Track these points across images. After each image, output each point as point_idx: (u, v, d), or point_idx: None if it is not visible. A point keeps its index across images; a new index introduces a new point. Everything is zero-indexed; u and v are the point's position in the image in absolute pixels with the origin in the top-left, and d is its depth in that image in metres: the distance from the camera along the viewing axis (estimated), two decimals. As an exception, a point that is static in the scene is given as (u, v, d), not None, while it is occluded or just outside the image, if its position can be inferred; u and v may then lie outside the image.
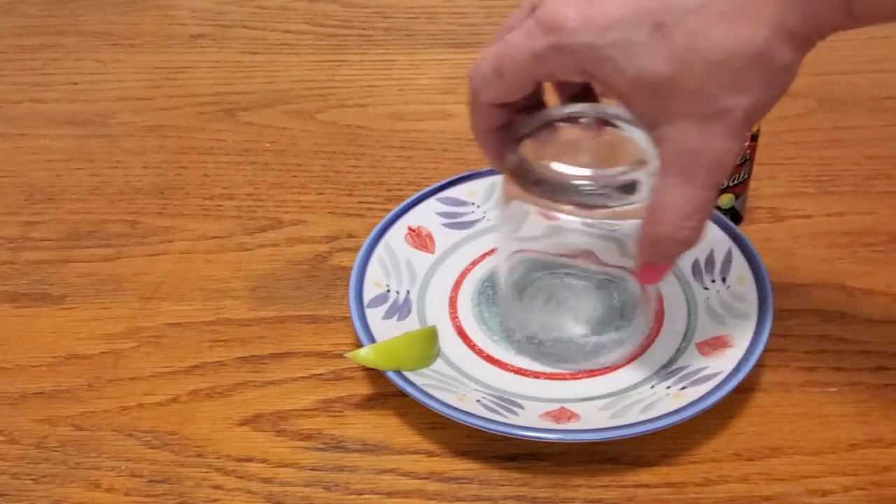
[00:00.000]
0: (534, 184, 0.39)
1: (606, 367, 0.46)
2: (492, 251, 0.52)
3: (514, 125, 0.41)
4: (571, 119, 0.41)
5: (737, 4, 0.33)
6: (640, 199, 0.38)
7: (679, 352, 0.46)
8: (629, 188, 0.39)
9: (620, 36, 0.34)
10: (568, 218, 0.40)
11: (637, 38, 0.33)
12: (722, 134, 0.34)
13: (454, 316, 0.49)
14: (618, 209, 0.39)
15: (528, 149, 0.40)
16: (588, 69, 0.35)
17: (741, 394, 0.44)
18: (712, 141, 0.34)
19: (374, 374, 0.47)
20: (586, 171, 0.39)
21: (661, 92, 0.34)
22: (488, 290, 0.50)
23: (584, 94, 0.42)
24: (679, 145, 0.35)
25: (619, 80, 0.35)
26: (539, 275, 0.49)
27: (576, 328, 0.48)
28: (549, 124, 0.41)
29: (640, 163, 0.39)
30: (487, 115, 0.40)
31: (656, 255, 0.39)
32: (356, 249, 0.51)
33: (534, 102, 0.41)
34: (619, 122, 0.40)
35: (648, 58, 0.33)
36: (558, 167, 0.39)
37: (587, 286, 0.48)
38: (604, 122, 0.41)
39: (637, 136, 0.39)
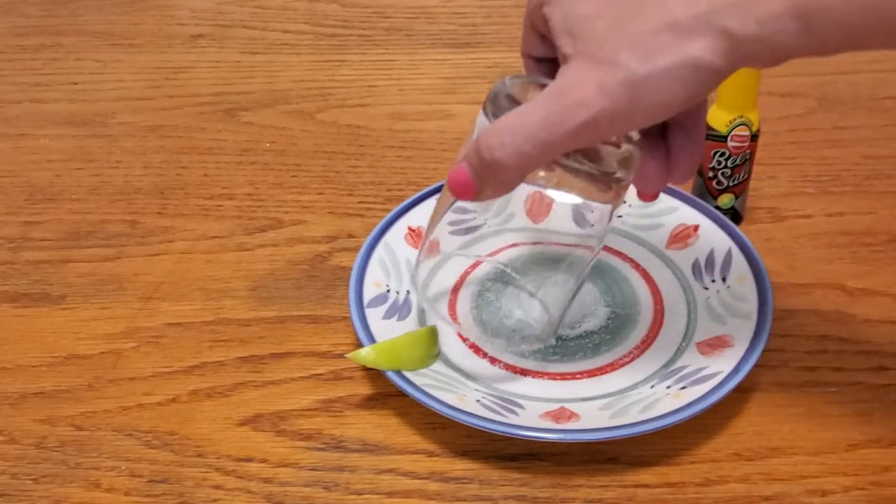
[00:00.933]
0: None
1: (606, 366, 0.46)
2: (493, 252, 0.52)
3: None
4: None
5: None
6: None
7: (679, 352, 0.46)
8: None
9: None
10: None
11: None
12: (596, 83, 0.33)
13: (454, 317, 0.49)
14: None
15: (516, 87, 0.39)
16: (544, 10, 0.36)
17: (741, 394, 0.44)
18: (583, 83, 0.33)
19: (374, 374, 0.47)
20: None
21: (575, 30, 0.34)
22: (487, 293, 0.50)
23: None
24: (560, 79, 0.34)
25: (553, 19, 0.35)
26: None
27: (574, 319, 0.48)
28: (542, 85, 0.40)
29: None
30: (530, 66, 0.41)
31: (469, 156, 0.36)
32: (356, 249, 0.51)
33: None
34: None
35: (583, 3, 0.34)
36: None
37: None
38: None
39: None
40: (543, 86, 0.39)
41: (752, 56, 0.32)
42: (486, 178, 0.35)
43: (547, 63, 0.40)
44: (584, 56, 0.34)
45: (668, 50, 0.32)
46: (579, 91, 0.33)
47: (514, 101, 0.37)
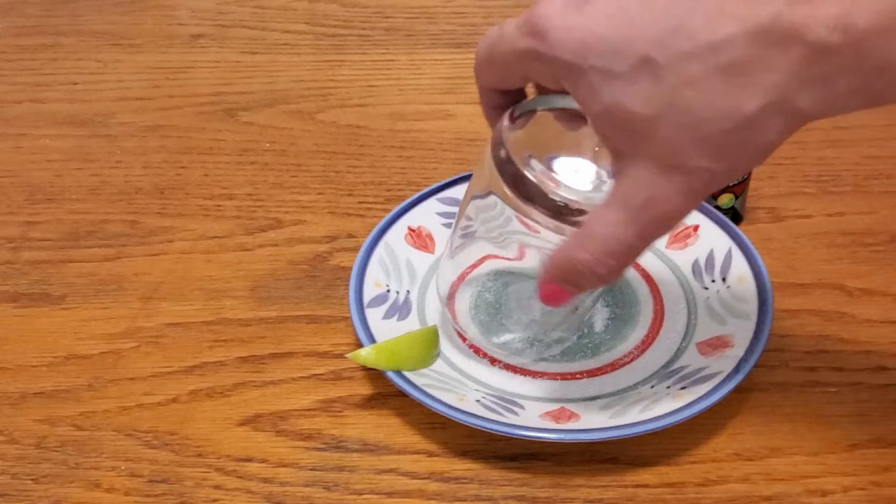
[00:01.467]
0: (512, 184, 0.37)
1: (606, 366, 0.46)
2: (492, 254, 0.52)
3: (515, 105, 0.39)
4: (563, 109, 0.39)
5: (739, 60, 0.30)
6: None
7: (679, 352, 0.46)
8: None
9: (601, 63, 0.31)
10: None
11: (619, 69, 0.31)
12: (680, 191, 0.33)
13: (454, 316, 0.49)
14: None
15: (515, 138, 0.38)
16: (564, 84, 0.33)
17: (741, 394, 0.44)
18: (667, 194, 0.33)
19: (374, 374, 0.47)
20: (572, 193, 0.37)
21: (631, 129, 0.32)
22: (486, 294, 0.50)
23: None
24: (633, 186, 0.33)
25: (592, 106, 0.33)
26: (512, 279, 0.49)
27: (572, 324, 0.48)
28: (543, 110, 0.39)
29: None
30: (489, 95, 0.39)
31: (565, 279, 0.37)
32: (356, 249, 0.51)
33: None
34: None
35: (628, 93, 0.31)
36: (544, 180, 0.37)
37: None
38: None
39: None
40: (552, 110, 0.38)
41: (808, 120, 0.32)
42: (587, 287, 0.37)
43: (509, 93, 0.39)
44: (653, 160, 0.32)
45: (744, 144, 0.31)
46: (667, 203, 0.33)
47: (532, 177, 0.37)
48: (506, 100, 0.39)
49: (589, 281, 0.36)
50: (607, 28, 0.31)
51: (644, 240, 0.34)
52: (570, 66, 0.32)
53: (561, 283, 0.37)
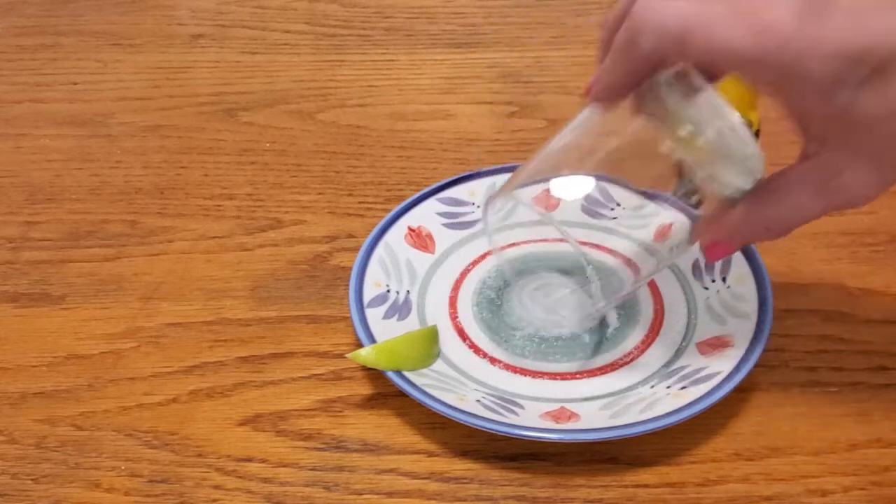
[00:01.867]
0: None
1: (606, 366, 0.46)
2: (491, 252, 0.52)
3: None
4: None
5: None
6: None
7: (679, 352, 0.46)
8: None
9: (840, 73, 0.31)
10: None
11: (855, 76, 0.31)
12: (877, 181, 0.35)
13: (454, 316, 0.49)
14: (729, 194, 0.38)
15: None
16: (778, 90, 0.33)
17: (741, 394, 0.44)
18: (865, 182, 0.35)
19: (374, 374, 0.47)
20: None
21: (849, 126, 0.33)
22: (487, 292, 0.50)
23: None
24: (832, 169, 0.35)
25: (812, 109, 0.33)
26: (536, 270, 0.49)
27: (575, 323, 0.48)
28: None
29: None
30: (644, 64, 0.35)
31: (741, 240, 0.39)
32: (356, 249, 0.51)
33: None
34: None
35: (859, 96, 0.32)
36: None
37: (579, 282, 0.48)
38: None
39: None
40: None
41: None
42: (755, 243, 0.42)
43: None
44: (859, 151, 0.34)
45: None
46: (863, 189, 0.36)
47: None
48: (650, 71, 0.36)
49: (760, 240, 0.39)
50: (851, 36, 0.31)
51: (823, 212, 0.36)
52: (805, 76, 0.32)
53: (733, 243, 0.39)
